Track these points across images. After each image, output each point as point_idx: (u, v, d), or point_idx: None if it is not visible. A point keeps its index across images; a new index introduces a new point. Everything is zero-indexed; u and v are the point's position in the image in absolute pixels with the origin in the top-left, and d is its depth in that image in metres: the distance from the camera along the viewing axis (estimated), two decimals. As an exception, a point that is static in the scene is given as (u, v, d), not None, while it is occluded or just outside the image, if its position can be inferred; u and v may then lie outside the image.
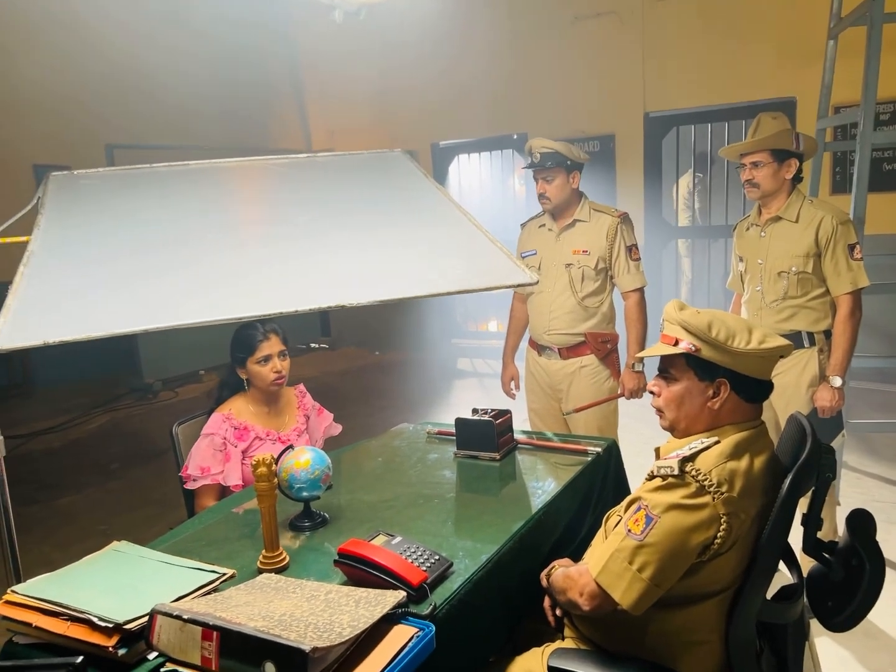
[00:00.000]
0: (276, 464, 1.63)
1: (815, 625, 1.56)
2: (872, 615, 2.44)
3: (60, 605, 1.28)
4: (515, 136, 6.57)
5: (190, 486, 2.20)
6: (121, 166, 2.47)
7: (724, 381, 1.40)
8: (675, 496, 1.30)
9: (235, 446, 2.23)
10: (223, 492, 2.22)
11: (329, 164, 2.55)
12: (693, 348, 1.40)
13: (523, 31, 6.02)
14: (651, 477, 1.36)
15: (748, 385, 1.41)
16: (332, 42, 6.69)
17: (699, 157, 5.89)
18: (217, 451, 2.20)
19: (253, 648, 1.11)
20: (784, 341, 1.42)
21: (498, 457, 2.09)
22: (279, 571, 1.50)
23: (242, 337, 2.26)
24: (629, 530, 1.33)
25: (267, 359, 2.24)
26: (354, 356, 7.45)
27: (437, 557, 1.45)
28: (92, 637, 1.22)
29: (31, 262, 1.70)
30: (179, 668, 1.16)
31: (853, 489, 3.41)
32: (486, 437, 2.10)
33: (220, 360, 6.16)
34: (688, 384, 1.44)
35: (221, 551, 1.64)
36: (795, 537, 1.41)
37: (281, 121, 7.89)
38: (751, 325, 1.44)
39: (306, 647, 1.07)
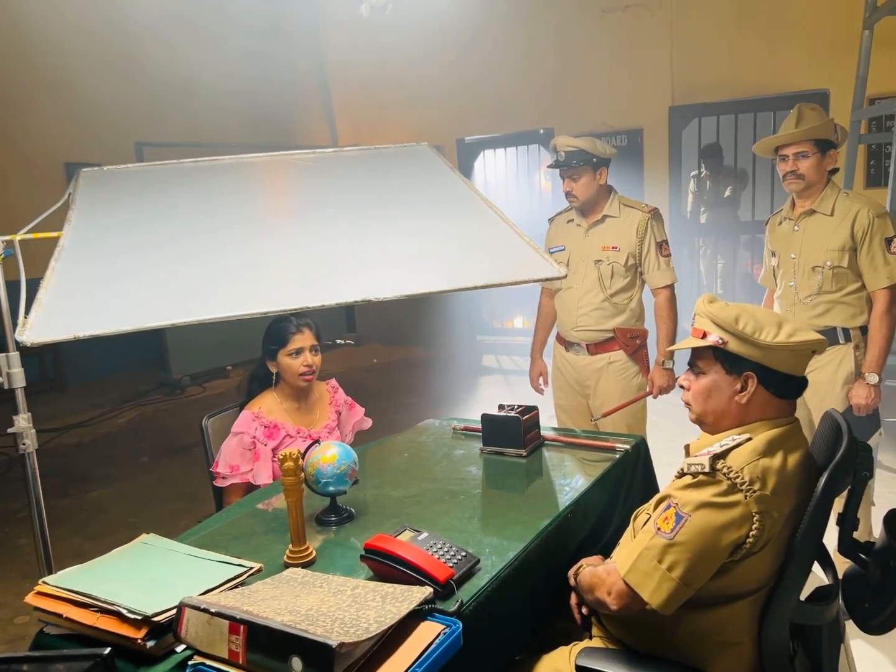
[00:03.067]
0: (303, 458, 1.63)
1: (849, 627, 1.52)
2: (909, 618, 2.39)
3: (90, 596, 1.29)
4: (542, 132, 6.53)
5: (219, 483, 2.21)
6: (150, 162, 2.49)
7: (751, 375, 1.38)
8: (706, 494, 1.28)
9: (265, 445, 2.23)
10: (252, 490, 2.22)
11: (355, 157, 2.55)
12: (720, 341, 1.38)
13: (550, 25, 5.98)
14: (681, 474, 1.34)
15: (777, 380, 1.38)
16: (358, 38, 6.71)
17: (713, 151, 5.78)
18: (246, 450, 2.21)
19: (280, 643, 1.11)
20: (817, 336, 1.38)
21: (524, 453, 2.07)
22: (306, 566, 1.50)
23: (275, 329, 2.27)
24: (658, 529, 1.30)
25: (299, 352, 2.24)
26: (380, 352, 7.47)
27: (463, 554, 1.44)
28: (121, 629, 1.23)
29: (62, 256, 1.71)
30: (207, 661, 1.16)
31: (889, 489, 3.33)
32: (512, 433, 2.08)
33: (247, 355, 6.24)
34: (715, 377, 1.42)
35: (248, 545, 1.65)
36: (830, 538, 1.37)
37: (307, 118, 7.93)
38: (782, 318, 1.40)
39: (333, 643, 1.06)
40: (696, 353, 1.45)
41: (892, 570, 1.32)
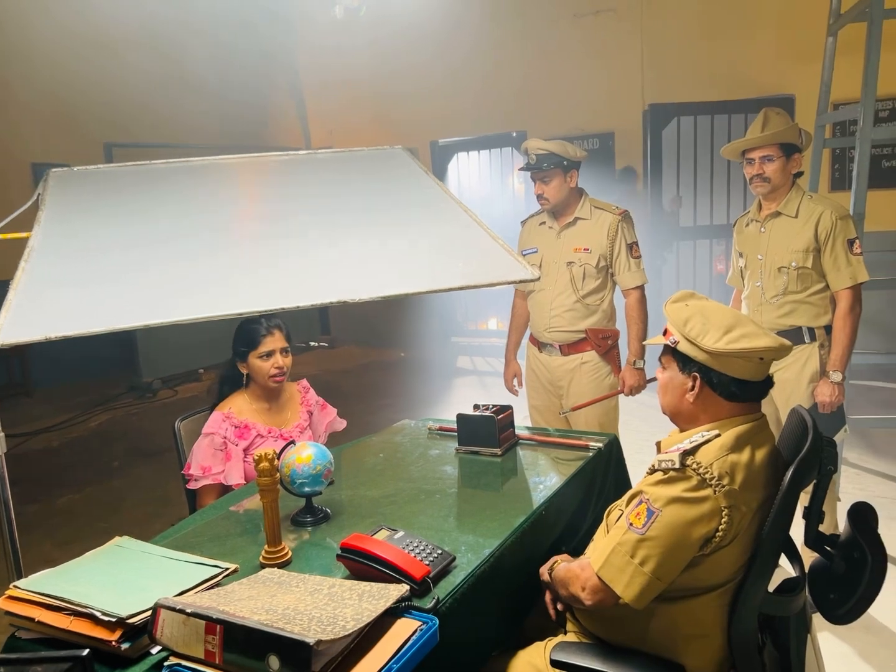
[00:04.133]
0: (278, 459, 1.63)
1: (816, 620, 1.56)
2: (873, 611, 2.44)
3: (63, 599, 1.28)
4: (514, 135, 6.58)
5: (192, 485, 2.20)
6: (121, 163, 2.47)
7: (696, 376, 1.42)
8: (677, 489, 1.30)
9: (236, 445, 2.23)
10: (225, 491, 2.21)
11: (329, 160, 2.54)
12: (673, 341, 1.43)
13: (523, 29, 6.03)
14: (652, 471, 1.37)
15: (724, 382, 1.40)
16: (332, 40, 6.68)
17: (627, 176, 5.75)
18: (217, 450, 2.20)
19: (257, 642, 1.11)
20: (766, 344, 1.36)
21: (499, 452, 2.09)
22: (282, 566, 1.50)
23: (246, 331, 2.26)
24: (631, 524, 1.33)
25: (269, 354, 2.24)
26: (354, 354, 7.45)
27: (439, 552, 1.45)
28: (95, 631, 1.22)
29: (32, 257, 1.70)
30: (183, 662, 1.16)
31: (853, 485, 3.41)
32: (487, 432, 2.10)
33: (220, 358, 6.15)
34: (672, 374, 1.48)
35: (224, 547, 1.64)
36: (797, 531, 1.41)
37: (280, 119, 7.89)
38: (736, 323, 1.40)
39: (310, 640, 1.07)
40: (663, 349, 1.51)
41: (856, 562, 1.36)
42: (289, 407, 2.38)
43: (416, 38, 6.22)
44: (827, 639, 2.34)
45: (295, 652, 1.08)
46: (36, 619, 1.28)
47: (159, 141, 6.48)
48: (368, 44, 6.44)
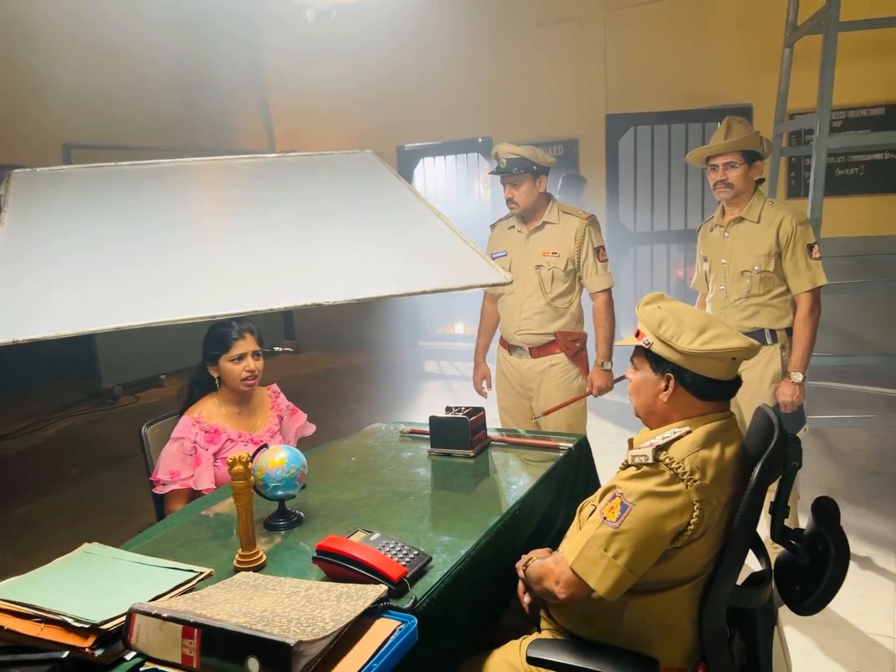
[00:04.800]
0: (252, 462, 1.62)
1: (781, 614, 1.61)
2: (834, 605, 2.51)
3: (33, 606, 1.25)
4: (480, 140, 6.63)
5: (159, 490, 2.16)
6: (86, 164, 2.42)
7: (669, 376, 1.45)
8: (650, 484, 1.33)
9: (206, 450, 2.20)
10: (194, 496, 2.18)
11: (299, 163, 2.54)
12: (647, 342, 1.45)
13: (489, 36, 6.08)
14: (625, 466, 1.39)
15: (696, 382, 1.43)
16: (297, 43, 6.66)
17: (573, 180, 5.80)
18: (187, 455, 2.17)
19: (236, 644, 1.10)
20: (737, 345, 1.40)
21: (472, 454, 2.10)
22: (256, 570, 1.49)
23: (217, 334, 2.24)
24: (605, 518, 1.35)
25: (241, 357, 2.22)
26: (321, 359, 7.40)
27: (415, 552, 1.45)
28: (67, 638, 1.19)
29: (-2, 259, 1.66)
30: (159, 667, 1.14)
31: (812, 483, 3.51)
32: (460, 434, 2.11)
33: (182, 364, 6.08)
34: (645, 375, 1.50)
35: (196, 552, 1.62)
36: (763, 527, 1.45)
37: (244, 122, 7.82)
38: (708, 324, 1.44)
39: (291, 641, 1.06)
40: (635, 350, 1.54)
41: (820, 554, 1.41)
42: (259, 411, 2.36)
43: (382, 44, 6.24)
44: (790, 633, 2.41)
45: (275, 653, 1.07)
46: (5, 628, 1.24)
47: (119, 142, 6.36)
48: (335, 47, 6.43)
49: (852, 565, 2.78)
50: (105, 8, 5.93)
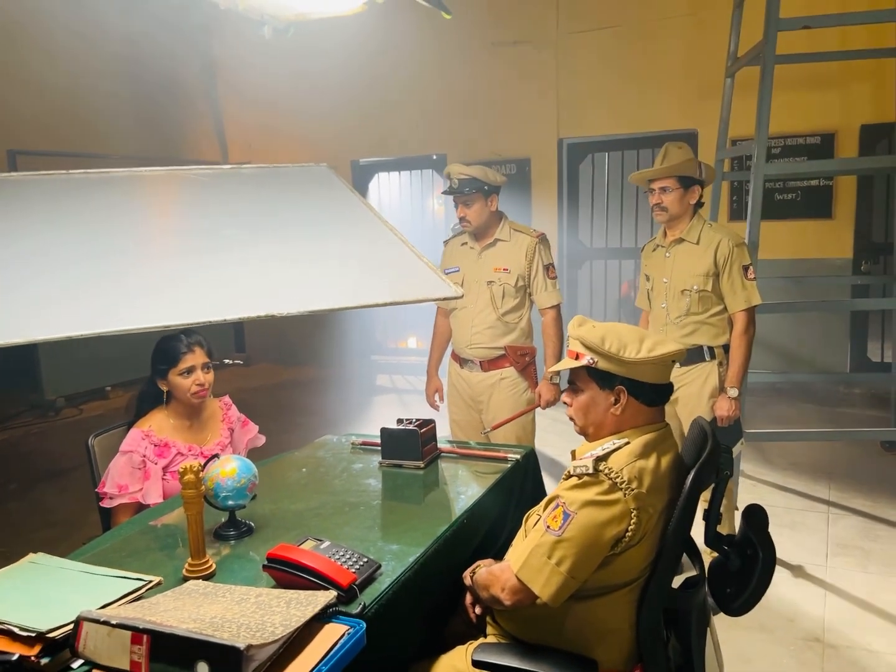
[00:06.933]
0: (202, 472, 1.63)
1: (719, 621, 1.69)
2: (767, 610, 2.64)
3: (-23, 616, 1.25)
4: (435, 157, 6.72)
5: (106, 504, 2.14)
6: (35, 172, 2.39)
7: (622, 389, 1.52)
8: (590, 493, 1.40)
9: (156, 463, 2.18)
10: (141, 510, 2.16)
11: (255, 176, 2.56)
12: (592, 361, 1.51)
13: (444, 55, 6.18)
14: (567, 476, 1.46)
15: (645, 390, 1.52)
16: (252, 57, 6.65)
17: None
18: (136, 469, 2.16)
19: (185, 649, 1.12)
20: (675, 348, 1.51)
21: (422, 465, 2.14)
22: (206, 579, 1.50)
23: (165, 349, 2.22)
24: (548, 527, 1.41)
25: (190, 370, 2.21)
26: (270, 372, 7.34)
27: (365, 560, 1.49)
28: (13, 647, 1.19)
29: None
30: (107, 674, 1.15)
31: (749, 495, 3.65)
32: (410, 446, 2.15)
33: (128, 376, 5.97)
34: (591, 394, 1.55)
35: (144, 562, 1.62)
36: (698, 533, 1.53)
37: (196, 133, 7.75)
38: (643, 334, 1.54)
39: (241, 645, 1.09)
40: (574, 373, 1.58)
41: (750, 558, 1.49)
42: (210, 424, 2.35)
43: (337, 59, 6.28)
44: (726, 637, 2.49)
45: (225, 657, 1.09)
46: (-54, 639, 1.23)
47: (68, 149, 6.24)
48: (291, 62, 6.44)
49: (785, 573, 2.93)
50: (55, 11, 5.83)
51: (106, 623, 1.17)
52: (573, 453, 1.61)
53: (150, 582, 1.42)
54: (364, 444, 2.38)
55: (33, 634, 1.19)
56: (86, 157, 6.17)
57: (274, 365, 7.53)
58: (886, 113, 4.91)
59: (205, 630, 1.15)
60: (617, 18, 5.77)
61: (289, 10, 2.70)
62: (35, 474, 4.58)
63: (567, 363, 1.58)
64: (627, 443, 1.47)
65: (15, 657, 0.96)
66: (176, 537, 1.77)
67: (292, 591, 1.35)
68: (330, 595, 1.32)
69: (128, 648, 1.15)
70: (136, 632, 1.15)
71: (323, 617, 1.28)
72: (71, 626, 1.21)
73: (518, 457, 2.19)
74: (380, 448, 2.22)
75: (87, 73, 6.40)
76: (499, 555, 1.74)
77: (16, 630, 1.20)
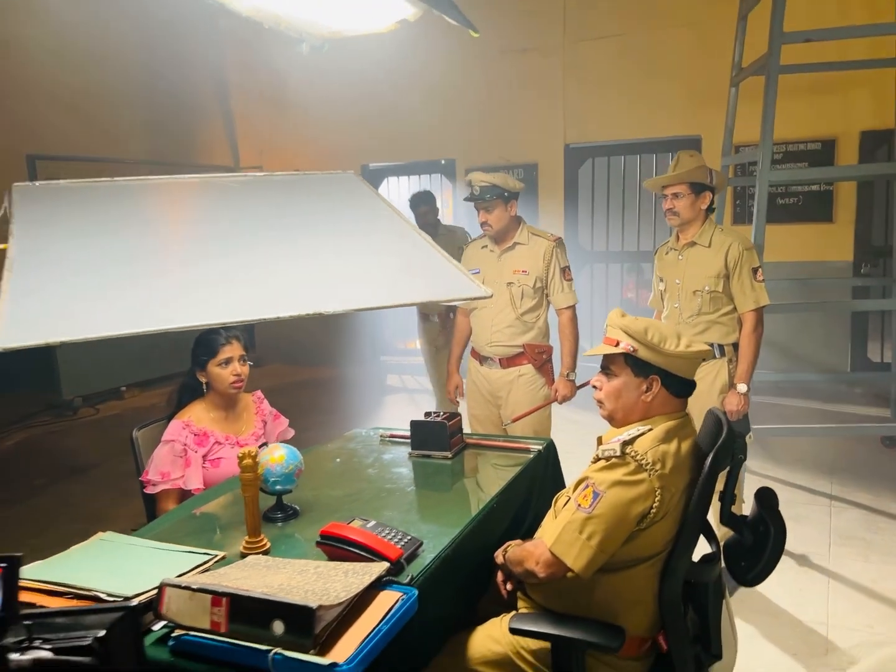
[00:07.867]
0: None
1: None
2: (774, 596, 2.77)
3: (65, 584, 1.38)
4: (443, 162, 6.85)
5: (150, 490, 2.27)
6: (80, 180, 2.53)
7: (656, 378, 1.65)
8: (618, 474, 1.53)
9: (196, 451, 2.32)
10: (183, 496, 2.29)
11: (286, 182, 2.69)
12: (632, 349, 1.64)
13: (453, 61, 6.31)
14: (596, 459, 1.59)
15: (675, 382, 1.66)
16: (263, 63, 6.79)
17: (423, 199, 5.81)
18: (177, 457, 2.29)
19: (261, 610, 1.24)
20: (705, 347, 1.69)
21: (450, 455, 2.27)
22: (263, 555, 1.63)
23: (206, 341, 2.37)
24: (579, 505, 1.54)
25: (228, 361, 2.35)
26: (282, 373, 7.47)
27: (408, 538, 1.62)
28: (101, 611, 1.32)
29: (15, 267, 1.77)
30: (190, 632, 1.28)
31: (755, 489, 3.77)
32: (439, 437, 2.28)
33: (144, 376, 6.08)
34: (625, 379, 1.68)
35: (202, 540, 1.75)
36: (713, 515, 1.66)
37: (208, 137, 7.88)
38: (679, 331, 1.70)
39: (313, 605, 1.21)
40: (609, 359, 1.71)
41: (762, 535, 1.62)
42: (244, 416, 2.49)
43: (349, 66, 6.41)
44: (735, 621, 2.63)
45: (298, 617, 1.22)
46: (37, 605, 1.36)
47: (84, 154, 6.37)
48: (301, 69, 6.58)
49: (790, 562, 3.06)
50: (72, 20, 5.97)
51: (188, 588, 1.29)
52: (599, 439, 1.74)
53: (216, 556, 1.55)
54: (392, 436, 2.51)
55: (119, 599, 1.32)
56: (101, 162, 6.31)
57: (284, 366, 7.64)
58: (886, 120, 5.05)
59: (276, 594, 1.28)
60: (623, 27, 5.92)
61: (326, 29, 2.84)
62: (59, 471, 4.70)
63: (604, 349, 1.70)
64: (651, 429, 1.60)
65: (135, 604, 1.08)
66: (223, 522, 1.90)
67: (347, 563, 1.48)
68: (383, 566, 1.45)
69: (208, 610, 1.28)
70: (217, 595, 1.28)
71: (378, 585, 1.41)
72: (153, 593, 1.34)
73: (539, 447, 2.32)
74: (407, 441, 2.36)
75: (103, 80, 6.55)
76: (525, 537, 1.87)
77: (102, 596, 1.33)
